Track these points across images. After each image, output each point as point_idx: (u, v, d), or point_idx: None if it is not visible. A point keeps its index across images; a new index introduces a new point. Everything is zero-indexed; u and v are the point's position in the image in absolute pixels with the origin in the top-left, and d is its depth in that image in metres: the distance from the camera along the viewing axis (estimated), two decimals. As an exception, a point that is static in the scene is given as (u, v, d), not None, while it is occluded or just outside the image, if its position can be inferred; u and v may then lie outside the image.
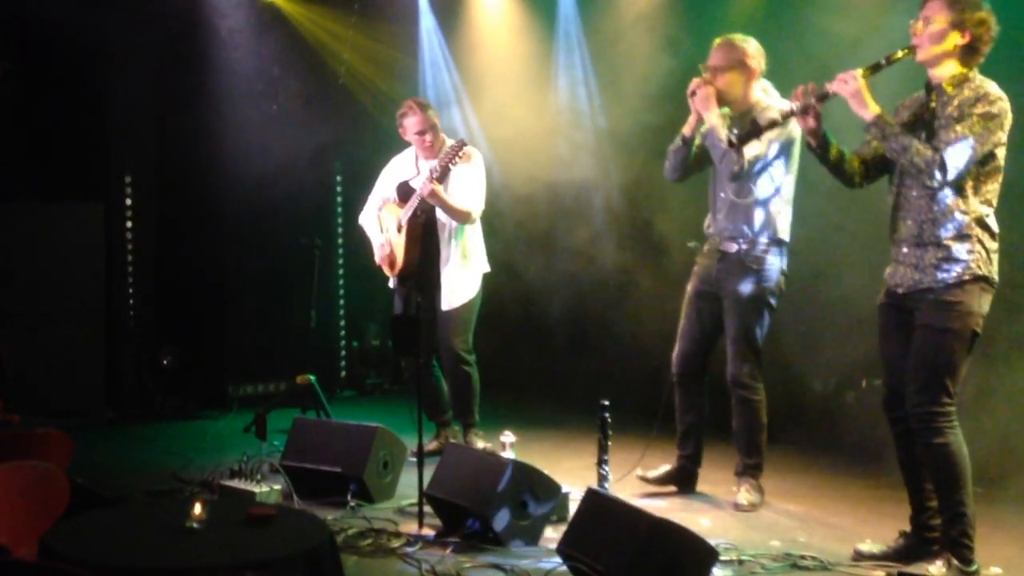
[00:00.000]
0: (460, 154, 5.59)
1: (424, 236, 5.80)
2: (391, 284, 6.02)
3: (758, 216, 4.91)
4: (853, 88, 3.99)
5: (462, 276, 5.79)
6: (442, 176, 5.64)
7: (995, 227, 3.98)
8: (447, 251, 5.77)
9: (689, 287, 5.18)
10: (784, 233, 4.96)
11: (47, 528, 3.45)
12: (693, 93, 4.91)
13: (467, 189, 5.72)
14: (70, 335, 6.71)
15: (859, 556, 4.27)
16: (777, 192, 4.92)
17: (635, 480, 5.21)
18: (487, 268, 5.94)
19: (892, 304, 4.15)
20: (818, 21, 5.90)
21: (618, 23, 7.12)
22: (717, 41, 5.00)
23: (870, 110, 3.97)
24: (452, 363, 5.88)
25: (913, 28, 3.99)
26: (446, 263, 5.78)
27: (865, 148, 4.25)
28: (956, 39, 3.91)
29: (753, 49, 4.95)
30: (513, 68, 7.66)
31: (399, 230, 5.81)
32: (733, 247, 4.97)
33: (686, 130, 5.03)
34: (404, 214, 5.76)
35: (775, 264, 4.95)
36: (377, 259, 6.01)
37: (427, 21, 8.08)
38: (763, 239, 4.92)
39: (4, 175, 6.69)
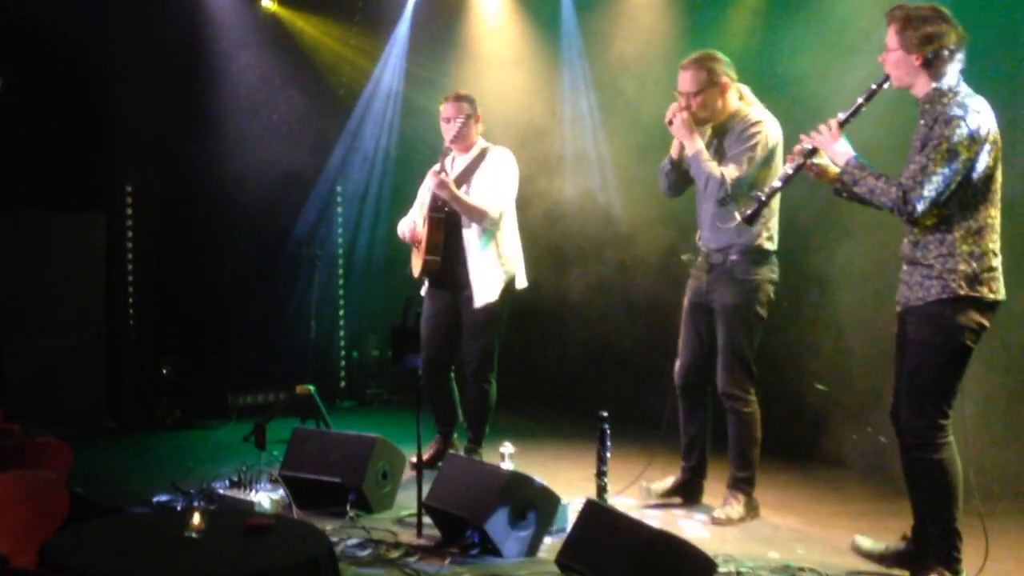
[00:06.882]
0: (487, 157, 5.60)
1: (447, 230, 5.67)
2: (423, 291, 5.90)
3: (743, 228, 4.86)
4: (826, 139, 4.06)
5: (490, 274, 5.62)
6: (464, 175, 5.64)
7: (992, 245, 3.92)
8: (473, 249, 5.62)
9: (685, 300, 5.19)
10: (770, 243, 4.93)
11: (47, 538, 3.46)
12: (671, 121, 4.95)
13: (488, 188, 5.64)
14: (71, 345, 6.71)
15: (856, 549, 4.29)
16: None
17: (635, 491, 5.22)
18: (523, 282, 5.80)
19: (899, 318, 4.16)
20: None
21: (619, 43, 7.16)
22: (682, 64, 4.98)
23: (841, 157, 4.02)
24: (473, 375, 5.77)
25: (882, 59, 4.04)
26: (473, 261, 5.63)
27: None
28: (911, 61, 3.95)
29: (719, 63, 4.94)
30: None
31: (424, 223, 5.75)
32: (719, 258, 4.98)
33: (673, 153, 5.08)
34: (427, 206, 5.72)
35: (762, 274, 4.94)
36: (412, 260, 5.89)
37: (403, 29, 8.13)
38: (749, 250, 4.91)
39: (5, 185, 6.69)
